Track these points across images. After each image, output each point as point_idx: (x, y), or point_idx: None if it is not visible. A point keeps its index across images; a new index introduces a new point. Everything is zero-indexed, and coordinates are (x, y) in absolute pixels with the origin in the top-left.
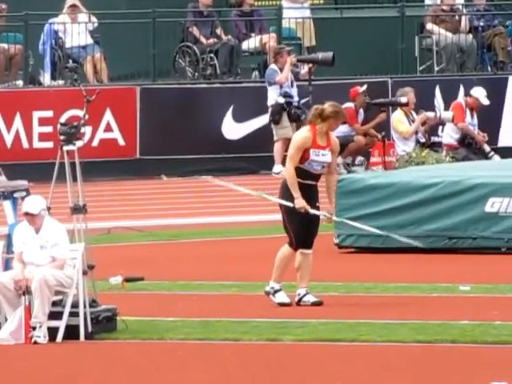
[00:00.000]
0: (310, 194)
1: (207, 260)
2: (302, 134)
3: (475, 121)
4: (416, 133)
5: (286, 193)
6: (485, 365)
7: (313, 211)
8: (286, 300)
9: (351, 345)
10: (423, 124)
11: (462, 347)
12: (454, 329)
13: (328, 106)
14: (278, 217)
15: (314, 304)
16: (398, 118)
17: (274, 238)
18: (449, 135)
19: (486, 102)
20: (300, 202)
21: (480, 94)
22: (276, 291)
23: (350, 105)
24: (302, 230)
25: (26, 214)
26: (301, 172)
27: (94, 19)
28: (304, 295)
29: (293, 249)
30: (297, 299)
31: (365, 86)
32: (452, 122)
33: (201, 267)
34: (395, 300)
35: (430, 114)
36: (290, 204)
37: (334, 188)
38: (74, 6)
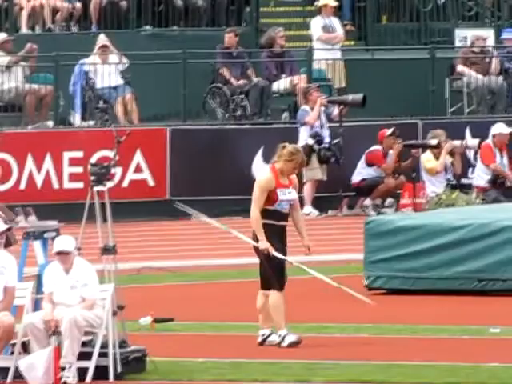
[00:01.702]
0: (282, 237)
1: (237, 301)
2: (265, 176)
3: (505, 160)
4: (446, 171)
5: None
6: None
7: (276, 254)
8: (294, 339)
9: None
10: (451, 154)
11: None
12: (484, 371)
13: (288, 147)
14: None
15: (291, 344)
16: (426, 158)
17: (307, 279)
18: (479, 177)
19: (507, 130)
20: (264, 244)
21: (499, 128)
22: (284, 336)
23: (377, 147)
24: (278, 272)
25: (59, 253)
26: (273, 214)
27: (124, 60)
28: (269, 335)
29: (277, 289)
30: (260, 340)
31: (392, 129)
32: (478, 148)
33: (231, 308)
34: (425, 342)
35: (456, 143)
36: (254, 243)
37: (304, 222)
38: (104, 47)
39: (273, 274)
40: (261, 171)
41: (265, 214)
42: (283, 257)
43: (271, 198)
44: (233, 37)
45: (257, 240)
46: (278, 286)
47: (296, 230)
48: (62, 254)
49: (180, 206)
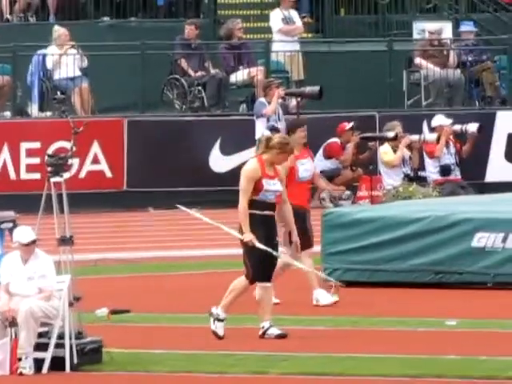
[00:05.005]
0: (270, 228)
1: (195, 292)
2: (251, 166)
3: (452, 149)
4: (403, 164)
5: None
6: None
7: (260, 246)
8: (221, 333)
9: (338, 379)
10: (409, 148)
11: (448, 381)
12: (441, 363)
13: (276, 137)
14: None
15: (279, 337)
16: (383, 150)
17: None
18: (430, 172)
19: (448, 121)
20: (248, 236)
21: (439, 120)
22: (219, 320)
23: (335, 140)
24: (260, 264)
25: (27, 244)
26: (258, 204)
27: (82, 51)
28: (268, 328)
29: (248, 281)
30: (261, 332)
31: (352, 123)
32: (437, 142)
33: (188, 299)
34: (382, 334)
35: (414, 137)
36: (239, 236)
37: (292, 216)
38: (62, 38)
39: (251, 267)
40: (247, 162)
41: (250, 203)
42: (266, 248)
43: (256, 187)
44: (193, 29)
45: (242, 232)
46: (250, 279)
47: (286, 224)
48: (30, 245)
49: (181, 207)
